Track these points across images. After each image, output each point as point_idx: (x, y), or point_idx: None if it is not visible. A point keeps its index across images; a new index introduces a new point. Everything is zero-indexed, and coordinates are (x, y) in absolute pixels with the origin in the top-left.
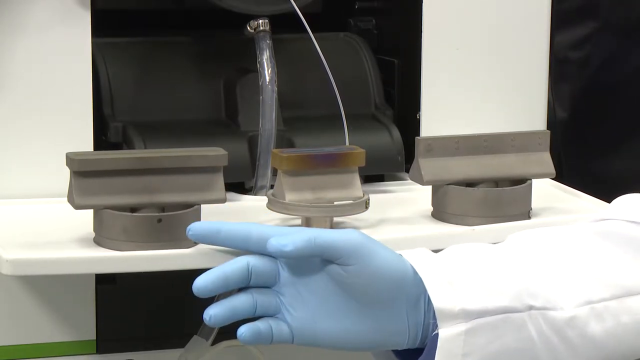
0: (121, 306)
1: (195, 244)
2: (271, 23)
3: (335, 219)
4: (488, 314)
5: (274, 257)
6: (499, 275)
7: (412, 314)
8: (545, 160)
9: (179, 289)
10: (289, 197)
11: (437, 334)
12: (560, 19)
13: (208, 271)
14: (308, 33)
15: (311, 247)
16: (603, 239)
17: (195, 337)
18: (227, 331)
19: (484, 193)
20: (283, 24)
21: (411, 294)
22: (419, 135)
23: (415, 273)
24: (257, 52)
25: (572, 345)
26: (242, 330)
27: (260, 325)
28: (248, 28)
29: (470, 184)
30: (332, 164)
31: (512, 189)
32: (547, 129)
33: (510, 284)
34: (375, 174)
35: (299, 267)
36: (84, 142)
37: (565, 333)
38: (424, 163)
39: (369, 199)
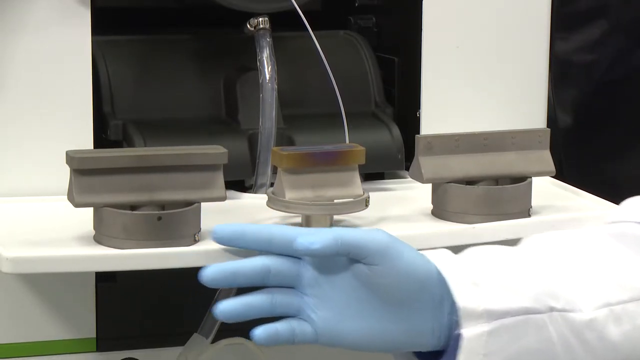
0: (121, 304)
1: (196, 241)
2: (271, 21)
3: (335, 217)
4: (510, 315)
5: (297, 257)
6: (520, 276)
7: (436, 314)
8: (545, 158)
9: (179, 287)
10: (289, 195)
11: (460, 333)
12: (568, 21)
13: (220, 263)
14: (308, 31)
15: (338, 245)
16: (618, 241)
17: (195, 335)
18: (228, 329)
19: (484, 191)
20: (283, 22)
21: (435, 294)
22: (419, 133)
23: (439, 274)
24: (257, 50)
25: (591, 348)
26: (258, 332)
27: (278, 326)
28: (248, 26)
29: (470, 182)
30: (332, 162)
31: (512, 187)
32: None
33: (531, 285)
34: (375, 172)
35: (324, 267)
36: (84, 140)
37: (584, 335)
38: (424, 161)
39: (369, 197)
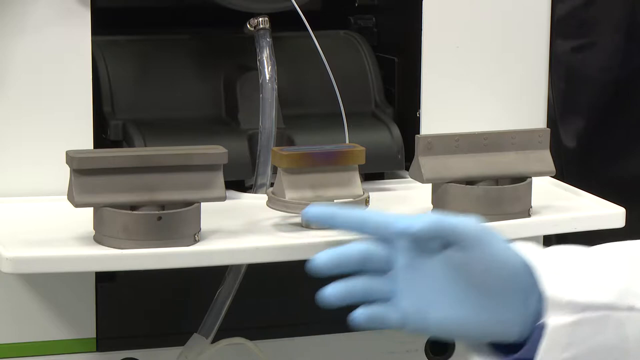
0: (121, 304)
1: (196, 241)
2: (271, 21)
3: None
4: (593, 309)
5: (388, 242)
6: (603, 272)
7: (524, 305)
8: (545, 158)
9: (179, 287)
10: (289, 195)
11: (544, 323)
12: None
13: (326, 250)
14: (308, 31)
15: (436, 229)
16: None
17: (195, 335)
18: (227, 329)
19: (484, 191)
20: (283, 22)
21: (525, 285)
22: (419, 133)
23: (529, 264)
24: (257, 50)
25: None
26: (359, 313)
27: (375, 310)
28: (248, 26)
29: (470, 182)
30: (332, 162)
31: (512, 187)
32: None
33: (614, 282)
34: (375, 172)
35: (417, 252)
36: (84, 140)
37: None
38: (424, 161)
39: (369, 197)
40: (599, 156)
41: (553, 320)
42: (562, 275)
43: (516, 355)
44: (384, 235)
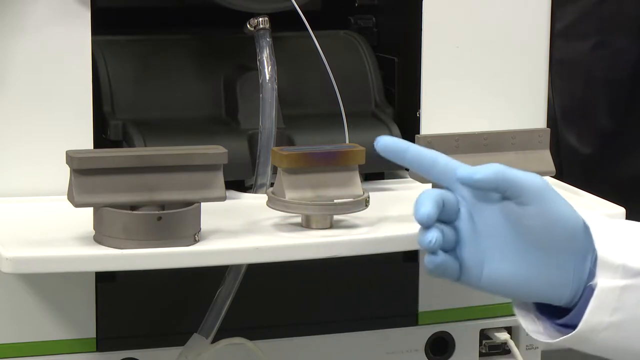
0: (121, 304)
1: (196, 241)
2: (271, 21)
3: (335, 217)
4: None
5: (453, 190)
6: None
7: (578, 268)
8: (545, 158)
9: (179, 287)
10: (289, 195)
11: (594, 284)
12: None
13: (422, 200)
14: (308, 31)
15: (498, 179)
16: None
17: (195, 335)
18: (227, 329)
19: None
20: (283, 21)
21: (581, 247)
22: (419, 133)
23: (587, 228)
24: (257, 50)
25: None
26: (428, 261)
27: (440, 258)
28: (248, 26)
29: None
30: (332, 162)
31: None
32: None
33: None
34: (375, 172)
35: (478, 203)
36: (84, 140)
37: None
38: None
39: (369, 197)
40: (618, 157)
41: (602, 282)
42: (618, 239)
43: (564, 319)
44: (448, 181)
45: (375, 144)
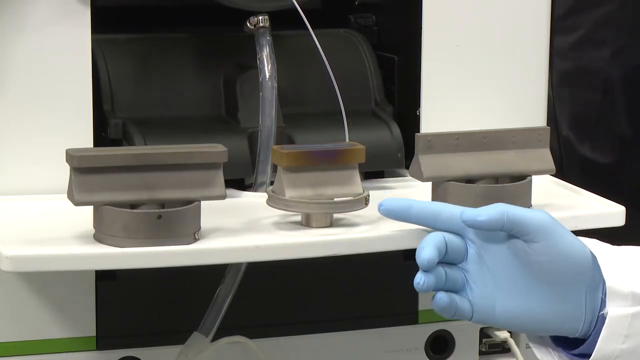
0: (121, 303)
1: (196, 240)
2: (271, 19)
3: (335, 216)
4: None
5: (460, 234)
6: None
7: (590, 300)
8: (545, 156)
9: (179, 285)
10: (289, 193)
11: (605, 313)
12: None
13: (423, 245)
14: (308, 29)
15: (503, 220)
16: None
17: (195, 333)
18: (227, 328)
19: (484, 189)
20: (283, 20)
21: (591, 279)
22: (418, 131)
23: (595, 259)
24: (257, 49)
25: None
26: (440, 297)
27: (452, 297)
28: (248, 24)
29: (470, 180)
30: (332, 160)
31: (512, 186)
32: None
33: None
34: (375, 170)
35: (486, 243)
36: (84, 138)
37: None
38: (424, 159)
39: (368, 196)
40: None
41: (613, 311)
42: (625, 267)
43: (579, 349)
44: (455, 226)
45: (378, 208)
